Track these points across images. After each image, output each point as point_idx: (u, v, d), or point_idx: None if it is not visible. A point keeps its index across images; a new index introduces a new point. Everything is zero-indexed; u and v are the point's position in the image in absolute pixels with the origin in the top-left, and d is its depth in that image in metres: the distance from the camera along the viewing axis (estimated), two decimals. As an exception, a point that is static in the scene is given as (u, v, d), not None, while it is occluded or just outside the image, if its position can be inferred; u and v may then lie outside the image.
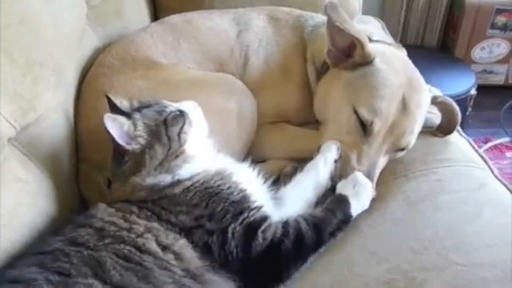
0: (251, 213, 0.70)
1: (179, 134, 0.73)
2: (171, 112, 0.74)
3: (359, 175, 0.81)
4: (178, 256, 0.64)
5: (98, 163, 0.88)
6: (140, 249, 0.63)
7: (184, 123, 0.74)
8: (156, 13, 1.44)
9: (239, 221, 0.68)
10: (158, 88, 0.90)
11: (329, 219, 0.73)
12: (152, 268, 0.61)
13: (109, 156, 0.86)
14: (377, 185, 0.87)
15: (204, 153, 0.76)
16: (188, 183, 0.71)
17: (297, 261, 0.69)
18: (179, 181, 0.71)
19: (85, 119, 0.91)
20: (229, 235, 0.67)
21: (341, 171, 0.85)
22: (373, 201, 0.85)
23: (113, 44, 1.04)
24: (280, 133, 1.03)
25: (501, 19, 2.36)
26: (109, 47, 1.03)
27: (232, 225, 0.68)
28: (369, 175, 0.85)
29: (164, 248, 0.64)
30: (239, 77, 1.03)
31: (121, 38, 1.06)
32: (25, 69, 0.72)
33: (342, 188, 0.79)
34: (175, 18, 1.11)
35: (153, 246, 0.64)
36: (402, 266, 0.71)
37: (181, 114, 0.75)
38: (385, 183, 0.89)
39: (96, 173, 0.88)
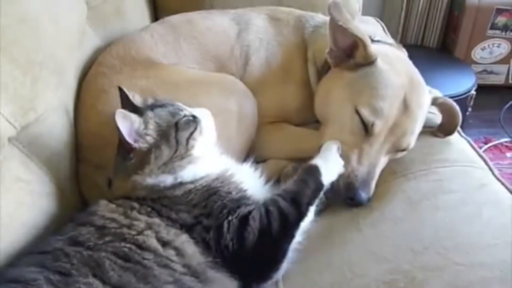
0: (247, 208, 0.70)
1: (188, 140, 0.73)
2: (184, 116, 0.74)
3: (331, 151, 0.83)
4: (179, 252, 0.64)
5: (98, 163, 0.88)
6: (140, 246, 0.63)
7: (195, 129, 0.74)
8: (156, 13, 1.44)
9: (235, 214, 0.68)
10: (158, 88, 0.90)
11: (303, 190, 0.72)
12: (151, 267, 0.61)
13: (109, 156, 0.86)
14: (377, 185, 0.87)
15: (209, 158, 0.76)
16: (190, 186, 0.71)
17: (286, 238, 0.69)
18: (181, 184, 0.71)
19: (85, 119, 0.91)
20: (225, 229, 0.67)
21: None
22: (373, 200, 0.85)
23: (113, 44, 1.04)
24: (281, 133, 1.03)
25: (501, 19, 2.36)
26: (109, 47, 1.03)
27: (229, 218, 0.68)
28: (369, 175, 0.85)
29: (165, 244, 0.64)
30: (240, 77, 1.03)
31: (122, 38, 1.06)
32: (25, 69, 0.72)
33: (313, 160, 0.80)
34: (175, 18, 1.12)
35: (153, 243, 0.64)
36: (402, 266, 0.71)
37: (194, 120, 0.75)
38: (385, 183, 0.89)
39: (96, 173, 0.88)
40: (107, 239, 0.63)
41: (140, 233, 0.64)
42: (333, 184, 0.85)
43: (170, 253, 0.63)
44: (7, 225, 0.66)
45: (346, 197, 0.85)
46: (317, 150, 0.88)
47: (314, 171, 0.76)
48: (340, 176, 0.85)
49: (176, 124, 0.73)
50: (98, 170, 0.88)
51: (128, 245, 0.63)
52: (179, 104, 0.78)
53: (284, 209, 0.69)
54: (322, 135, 0.94)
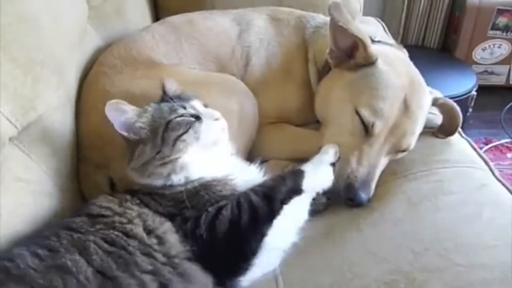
0: (227, 201, 0.69)
1: (175, 141, 0.70)
2: (182, 115, 0.71)
3: (325, 159, 0.81)
4: (161, 241, 0.64)
5: (99, 162, 0.88)
6: (127, 234, 0.64)
7: (186, 131, 0.70)
8: (157, 13, 1.44)
9: (215, 206, 0.68)
10: (159, 88, 0.90)
11: (279, 187, 0.70)
12: (134, 253, 0.61)
13: (109, 155, 0.87)
14: (377, 185, 0.87)
15: (205, 163, 0.73)
16: (181, 189, 0.70)
17: (255, 234, 0.67)
18: (171, 186, 0.70)
19: (86, 118, 0.91)
20: (202, 220, 0.66)
21: (339, 170, 0.85)
22: (374, 201, 0.85)
23: (115, 44, 1.04)
24: (281, 134, 1.03)
25: (502, 20, 2.36)
26: (110, 47, 1.03)
27: (208, 210, 0.67)
28: (369, 176, 0.85)
29: (150, 232, 0.65)
30: (240, 78, 1.03)
31: (123, 38, 1.06)
32: (25, 68, 0.72)
33: (304, 165, 0.78)
34: (176, 18, 1.12)
35: (140, 231, 0.64)
36: (402, 267, 0.71)
37: (191, 121, 0.71)
38: (385, 184, 0.89)
39: (96, 172, 0.89)
40: (98, 226, 0.64)
41: (130, 221, 0.65)
42: (333, 185, 0.86)
43: (153, 241, 0.64)
44: (7, 225, 0.66)
45: (346, 197, 0.85)
46: (317, 150, 0.88)
47: (298, 174, 0.73)
48: (340, 177, 0.85)
49: (169, 122, 0.70)
50: (99, 169, 0.88)
51: (116, 232, 0.64)
52: (192, 102, 0.75)
53: (254, 202, 0.67)
54: (323, 135, 0.94)
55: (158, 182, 0.70)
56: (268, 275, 0.72)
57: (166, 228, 0.66)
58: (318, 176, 0.76)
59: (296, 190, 0.71)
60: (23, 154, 0.73)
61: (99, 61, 1.00)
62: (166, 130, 0.70)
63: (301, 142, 1.01)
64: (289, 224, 0.72)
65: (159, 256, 0.62)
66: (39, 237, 0.63)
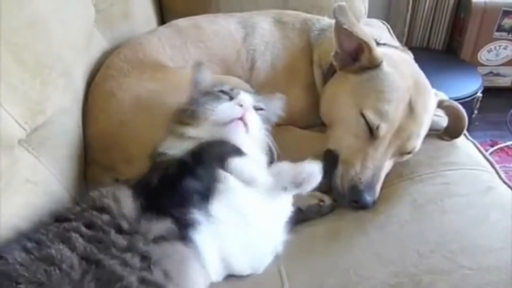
0: None
1: (198, 104, 0.75)
2: (222, 90, 0.77)
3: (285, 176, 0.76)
4: (117, 200, 0.66)
5: (106, 164, 0.89)
6: (101, 209, 0.65)
7: (207, 103, 0.75)
8: (163, 16, 1.45)
9: None
10: (166, 91, 0.90)
11: (211, 147, 0.71)
12: (109, 232, 0.62)
13: (117, 158, 0.87)
14: (383, 187, 0.88)
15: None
16: (168, 158, 0.72)
17: (183, 183, 0.67)
18: (163, 154, 0.73)
19: (93, 121, 0.92)
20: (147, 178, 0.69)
21: (344, 171, 0.86)
22: (380, 203, 0.85)
23: (121, 47, 1.05)
24: (286, 136, 1.02)
25: (508, 21, 2.35)
26: (117, 50, 1.04)
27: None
28: (374, 178, 0.86)
29: (117, 201, 0.66)
30: (246, 80, 1.04)
31: (129, 41, 1.07)
32: (34, 71, 0.72)
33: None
34: (182, 22, 1.12)
35: (111, 202, 0.66)
36: (408, 269, 0.71)
37: (219, 96, 0.76)
38: (391, 186, 0.89)
39: (104, 174, 0.89)
40: (84, 206, 0.66)
41: (106, 196, 0.67)
42: (338, 187, 0.86)
43: (116, 206, 0.65)
44: (15, 227, 0.67)
45: (350, 200, 0.85)
46: (322, 153, 0.88)
47: (236, 151, 0.71)
48: (345, 179, 0.85)
49: (208, 92, 0.77)
50: (106, 171, 0.89)
51: (94, 212, 0.65)
52: (246, 93, 0.79)
53: (183, 158, 0.69)
54: (328, 138, 0.94)
55: (162, 146, 0.74)
56: (267, 272, 0.73)
57: (126, 193, 0.67)
58: (248, 166, 0.70)
59: (221, 159, 0.69)
60: (32, 156, 0.74)
61: (106, 64, 1.01)
62: (202, 96, 0.77)
63: (306, 144, 1.01)
64: (264, 221, 0.72)
65: (124, 223, 0.63)
66: (33, 231, 0.64)
